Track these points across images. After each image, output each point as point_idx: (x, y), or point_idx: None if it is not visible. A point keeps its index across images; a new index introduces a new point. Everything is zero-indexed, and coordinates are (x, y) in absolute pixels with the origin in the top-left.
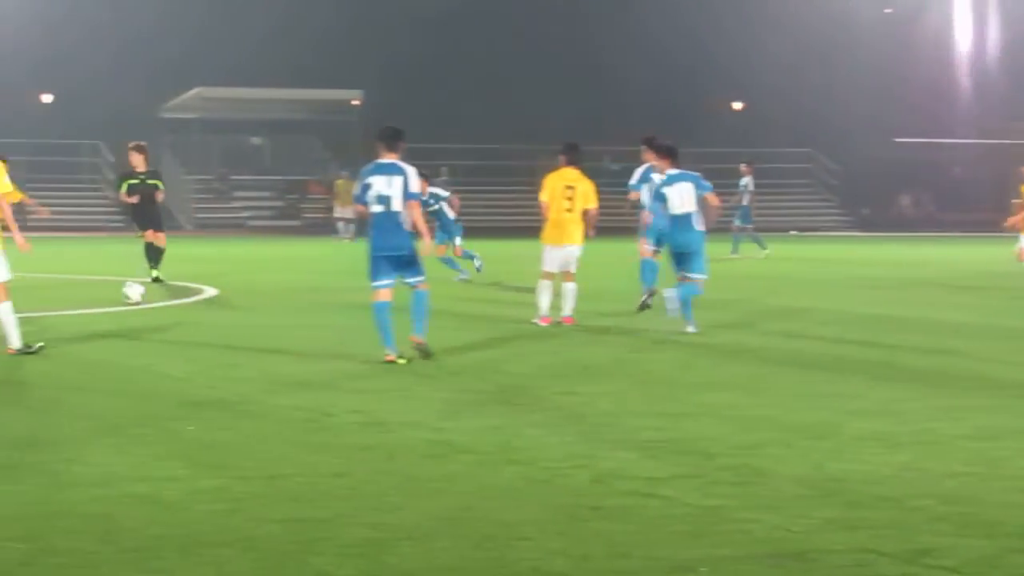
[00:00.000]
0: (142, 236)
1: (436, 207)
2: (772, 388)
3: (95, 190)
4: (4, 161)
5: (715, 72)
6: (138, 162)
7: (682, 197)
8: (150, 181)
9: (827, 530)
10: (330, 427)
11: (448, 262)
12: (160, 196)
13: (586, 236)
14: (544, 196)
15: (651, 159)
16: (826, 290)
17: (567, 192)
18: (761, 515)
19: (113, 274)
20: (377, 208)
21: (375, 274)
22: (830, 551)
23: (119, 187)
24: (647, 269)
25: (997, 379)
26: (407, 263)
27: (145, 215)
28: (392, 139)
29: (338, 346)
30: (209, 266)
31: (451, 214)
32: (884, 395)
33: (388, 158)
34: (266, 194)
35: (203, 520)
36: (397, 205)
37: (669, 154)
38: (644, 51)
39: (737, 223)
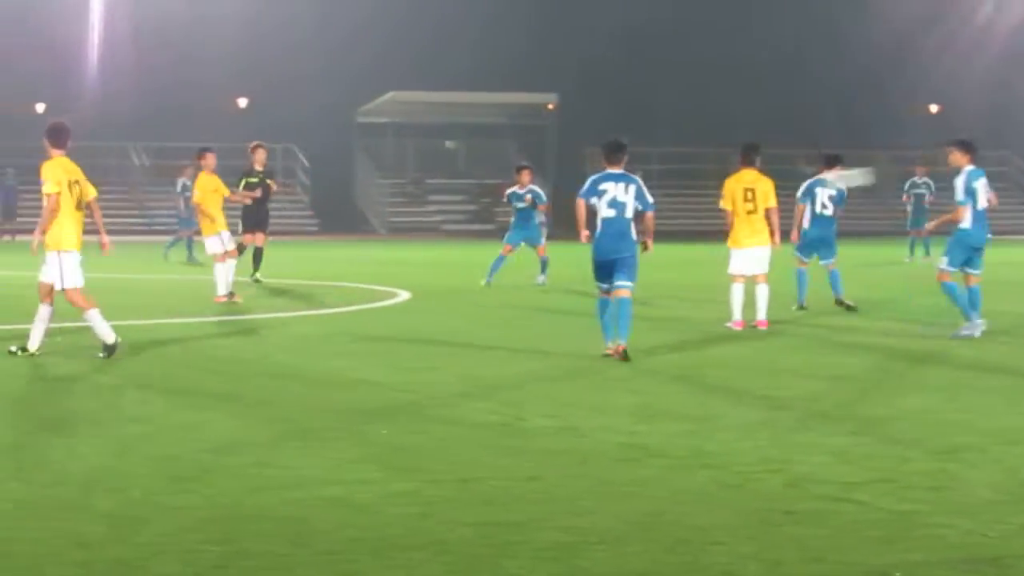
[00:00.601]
0: (243, 240)
1: (522, 205)
2: (970, 392)
3: (287, 194)
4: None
5: (911, 75)
6: (260, 160)
7: (985, 192)
8: (267, 180)
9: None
10: (523, 431)
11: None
12: (274, 188)
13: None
14: (725, 203)
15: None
16: (1020, 293)
17: (747, 194)
18: (956, 520)
19: (306, 278)
20: (609, 213)
21: (598, 277)
22: None
23: (239, 184)
24: (802, 281)
25: None
26: (624, 266)
27: (255, 214)
28: (615, 151)
29: (531, 350)
30: (402, 269)
31: (540, 217)
32: None
33: (614, 169)
34: (460, 198)
35: (395, 523)
36: (629, 212)
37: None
38: (840, 53)
39: (916, 227)
